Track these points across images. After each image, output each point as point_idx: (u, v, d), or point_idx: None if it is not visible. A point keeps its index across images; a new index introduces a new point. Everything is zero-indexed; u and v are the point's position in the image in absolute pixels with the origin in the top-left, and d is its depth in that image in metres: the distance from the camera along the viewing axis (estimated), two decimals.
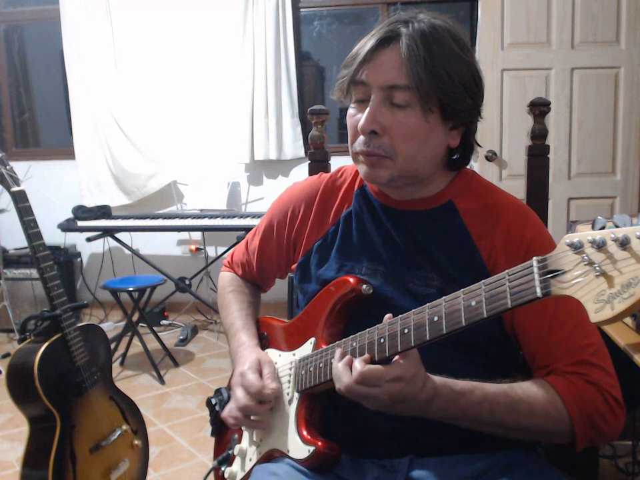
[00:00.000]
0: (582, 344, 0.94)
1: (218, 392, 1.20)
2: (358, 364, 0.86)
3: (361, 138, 0.98)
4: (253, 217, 3.58)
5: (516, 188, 1.47)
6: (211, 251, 4.20)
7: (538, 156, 1.46)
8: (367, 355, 0.88)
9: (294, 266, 1.16)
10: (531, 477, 0.93)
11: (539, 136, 1.45)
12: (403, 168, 0.98)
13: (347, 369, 0.88)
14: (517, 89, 3.14)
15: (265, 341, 1.19)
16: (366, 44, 0.96)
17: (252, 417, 1.04)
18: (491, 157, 3.18)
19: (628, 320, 1.34)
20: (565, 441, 0.93)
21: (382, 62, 0.94)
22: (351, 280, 1.01)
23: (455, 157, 1.04)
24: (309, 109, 1.52)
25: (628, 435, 1.93)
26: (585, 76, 3.14)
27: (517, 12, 3.10)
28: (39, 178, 4.07)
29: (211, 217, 3.68)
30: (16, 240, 3.71)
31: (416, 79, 0.91)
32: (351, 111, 1.01)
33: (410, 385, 0.84)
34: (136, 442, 1.86)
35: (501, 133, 3.19)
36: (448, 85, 0.93)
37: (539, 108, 1.44)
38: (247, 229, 3.41)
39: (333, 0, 4.15)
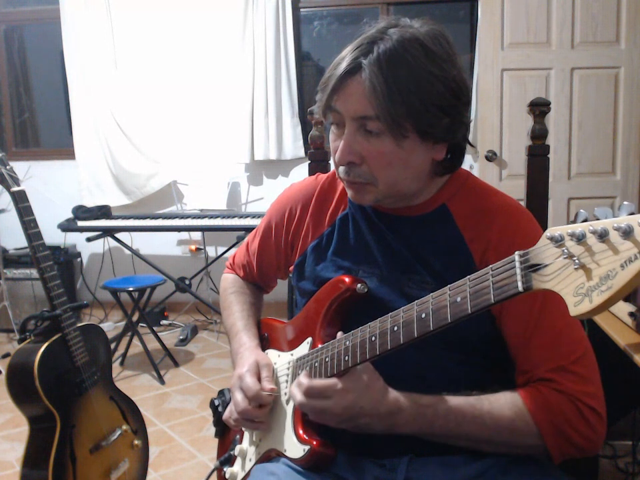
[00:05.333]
0: (564, 350, 0.92)
1: (221, 393, 1.21)
2: (303, 379, 0.92)
3: (342, 167, 0.98)
4: (253, 217, 3.57)
5: (516, 188, 1.47)
6: (211, 251, 4.20)
7: (538, 156, 1.45)
8: (306, 371, 0.95)
9: (292, 267, 1.16)
10: (531, 477, 0.93)
11: (539, 136, 1.45)
12: (387, 191, 0.97)
13: (297, 388, 0.93)
14: (517, 88, 3.14)
15: (265, 342, 1.19)
16: (337, 67, 0.92)
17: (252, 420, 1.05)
18: (491, 157, 3.17)
19: (628, 320, 1.34)
20: (541, 454, 0.92)
21: (350, 92, 0.91)
22: (346, 279, 1.02)
23: (446, 163, 1.01)
24: (308, 109, 1.52)
25: (628, 435, 1.93)
26: (584, 76, 3.14)
27: (517, 12, 3.10)
28: (39, 178, 4.07)
29: (211, 217, 3.68)
30: (16, 240, 3.72)
31: (383, 109, 0.88)
32: (331, 136, 1.00)
33: (364, 397, 0.86)
34: (136, 442, 1.86)
35: (500, 133, 3.19)
36: (419, 110, 0.88)
37: (539, 108, 1.43)
38: (247, 229, 3.42)
39: (333, 0, 4.15)
